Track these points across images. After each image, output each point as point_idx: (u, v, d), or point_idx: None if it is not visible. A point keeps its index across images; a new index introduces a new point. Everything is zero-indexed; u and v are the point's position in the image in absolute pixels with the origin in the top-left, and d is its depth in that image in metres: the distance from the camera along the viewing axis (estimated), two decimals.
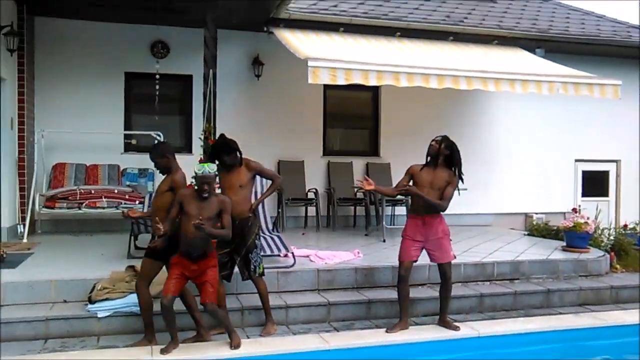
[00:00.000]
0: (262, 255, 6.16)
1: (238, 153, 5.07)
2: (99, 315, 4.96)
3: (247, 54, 9.65)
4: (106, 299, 5.02)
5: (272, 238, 6.74)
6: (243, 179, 5.09)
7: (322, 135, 10.22)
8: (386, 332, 5.22)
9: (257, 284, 5.21)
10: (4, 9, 7.53)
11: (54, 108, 8.77)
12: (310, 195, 9.72)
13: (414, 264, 5.38)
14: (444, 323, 5.38)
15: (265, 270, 5.98)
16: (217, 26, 7.12)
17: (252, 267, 5.13)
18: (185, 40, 9.11)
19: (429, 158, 5.24)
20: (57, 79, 8.82)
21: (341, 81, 6.92)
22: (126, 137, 9.13)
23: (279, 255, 6.40)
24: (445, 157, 5.17)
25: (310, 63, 6.81)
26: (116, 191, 8.03)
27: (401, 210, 9.91)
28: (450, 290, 5.41)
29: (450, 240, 5.39)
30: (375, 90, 10.17)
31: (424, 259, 5.43)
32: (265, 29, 8.95)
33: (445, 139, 5.22)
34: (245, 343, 4.79)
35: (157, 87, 8.07)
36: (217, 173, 4.67)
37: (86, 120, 8.76)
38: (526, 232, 9.68)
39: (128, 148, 9.09)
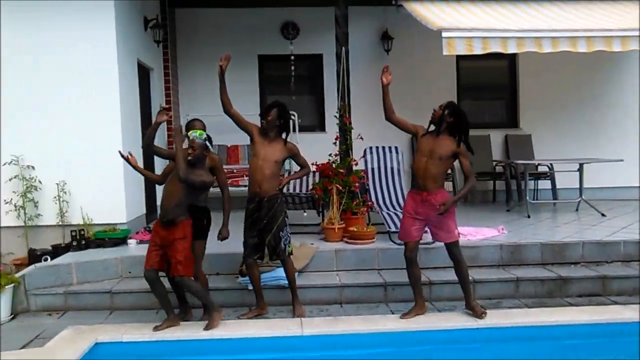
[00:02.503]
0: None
1: (284, 127, 4.87)
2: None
3: (376, 29, 9.52)
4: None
5: None
6: (279, 155, 4.81)
7: None
8: (400, 317, 4.73)
9: (287, 264, 4.92)
10: (149, 2, 8.04)
11: (195, 93, 9.28)
12: None
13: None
14: (470, 308, 4.81)
15: None
16: (347, 3, 7.03)
17: (283, 245, 4.83)
18: (314, 19, 9.17)
19: (432, 126, 4.68)
20: (197, 66, 9.29)
21: (478, 51, 6.56)
22: (261, 117, 9.39)
23: None
24: (449, 124, 4.59)
25: (444, 34, 6.52)
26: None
27: (545, 184, 9.34)
28: (467, 273, 4.84)
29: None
30: (512, 58, 9.60)
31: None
32: (393, 2, 8.72)
33: (450, 104, 4.66)
34: (392, 319, 4.74)
35: (293, 67, 8.18)
36: (206, 143, 4.47)
37: None
38: None
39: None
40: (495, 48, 6.68)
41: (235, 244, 5.80)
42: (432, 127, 4.67)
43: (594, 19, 7.68)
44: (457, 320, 4.74)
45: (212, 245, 5.85)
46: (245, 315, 4.91)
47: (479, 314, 4.70)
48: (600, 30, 6.92)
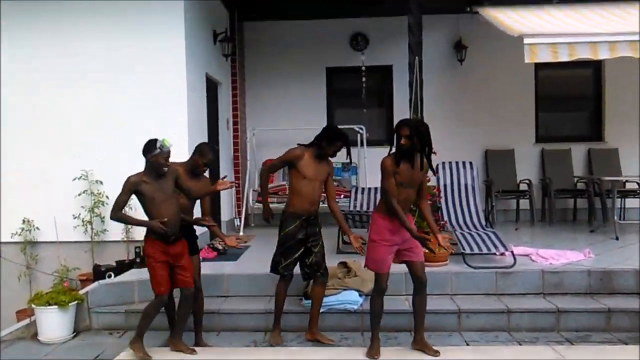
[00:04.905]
0: (477, 254, 5.73)
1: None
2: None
3: (449, 38, 9.15)
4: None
5: (486, 234, 6.16)
6: (325, 174, 4.61)
7: (535, 120, 9.29)
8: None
9: (321, 286, 4.69)
10: (219, 16, 8.05)
11: (262, 107, 9.22)
12: (523, 186, 8.86)
13: None
14: (421, 346, 4.37)
15: (483, 270, 5.52)
16: (421, 11, 6.72)
17: (325, 267, 4.67)
18: (383, 30, 8.93)
19: (398, 151, 4.13)
20: (264, 79, 9.25)
21: (564, 57, 6.05)
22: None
23: (494, 254, 5.82)
24: (417, 147, 4.09)
25: (526, 40, 6.07)
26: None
27: (634, 202, 8.61)
28: (427, 300, 4.39)
29: None
30: (597, 66, 8.95)
31: None
32: (468, 9, 8.34)
33: (413, 128, 4.09)
34: (465, 350, 4.35)
35: (364, 79, 7.95)
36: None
37: (291, 117, 9.04)
38: None
39: None
40: (584, 54, 6.14)
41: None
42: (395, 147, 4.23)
43: None
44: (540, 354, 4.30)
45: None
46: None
47: (432, 353, 4.31)
48: None
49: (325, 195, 4.73)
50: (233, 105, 8.63)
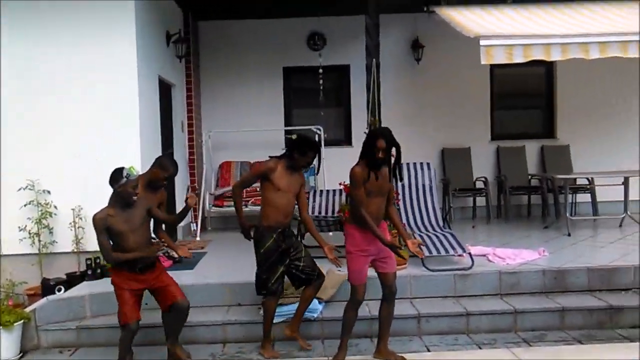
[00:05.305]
0: (435, 256, 5.75)
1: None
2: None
3: (406, 37, 9.15)
4: (279, 304, 4.86)
5: (444, 235, 6.19)
6: (298, 185, 4.56)
7: (490, 118, 9.39)
8: None
9: (316, 287, 4.66)
10: (172, 17, 7.83)
11: (218, 108, 9.05)
12: (479, 184, 8.98)
13: None
14: (385, 355, 4.38)
15: (441, 273, 5.54)
16: (378, 11, 6.68)
17: (319, 270, 4.64)
18: (341, 29, 8.87)
19: (372, 162, 4.12)
20: (220, 80, 9.06)
21: (519, 59, 6.12)
22: (286, 132, 9.15)
23: (453, 255, 5.86)
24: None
25: (482, 42, 6.10)
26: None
27: (585, 197, 8.83)
28: (394, 309, 4.43)
29: None
30: (549, 65, 9.08)
31: None
32: (425, 8, 8.35)
33: (390, 141, 4.06)
34: (426, 356, 4.37)
35: (321, 80, 7.88)
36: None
37: (248, 118, 8.91)
38: None
39: (288, 143, 9.06)
40: (538, 55, 6.24)
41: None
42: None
43: None
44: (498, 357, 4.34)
45: (235, 273, 5.59)
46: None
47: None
48: None
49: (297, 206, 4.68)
50: (188, 107, 8.43)
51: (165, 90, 7.48)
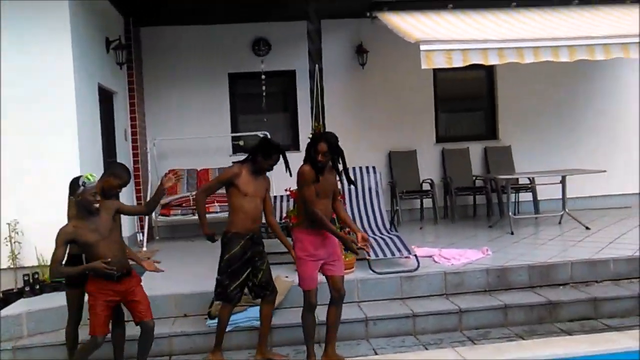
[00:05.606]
0: (382, 259, 5.81)
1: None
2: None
3: (350, 43, 9.23)
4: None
5: (390, 238, 6.29)
6: (264, 190, 4.54)
7: (434, 121, 9.57)
8: None
9: (270, 305, 4.60)
10: (112, 23, 7.65)
11: (163, 116, 8.90)
12: (426, 186, 9.15)
13: None
14: (332, 359, 4.39)
15: (388, 275, 5.61)
16: (319, 17, 6.72)
17: (273, 285, 4.60)
18: (286, 35, 8.87)
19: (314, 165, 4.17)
20: (165, 87, 8.92)
21: (458, 63, 6.30)
22: (234, 138, 9.08)
23: (399, 258, 5.94)
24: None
25: (422, 47, 6.25)
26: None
27: (526, 196, 9.12)
28: (342, 313, 4.46)
29: None
30: (489, 68, 9.36)
31: None
32: (368, 14, 8.46)
33: (330, 145, 4.11)
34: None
35: (264, 86, 7.84)
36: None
37: (195, 125, 8.81)
38: None
39: (236, 150, 9.01)
40: (476, 60, 6.46)
41: (205, 281, 5.44)
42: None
43: (577, 26, 7.48)
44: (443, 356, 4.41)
45: (181, 284, 5.50)
46: None
47: None
48: (583, 38, 6.73)
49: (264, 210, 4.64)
50: (131, 115, 8.24)
51: (106, 98, 7.31)
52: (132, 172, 7.94)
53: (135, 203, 8.08)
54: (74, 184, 3.92)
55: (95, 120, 6.65)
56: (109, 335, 4.12)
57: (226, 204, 7.58)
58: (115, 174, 4.38)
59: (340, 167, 4.30)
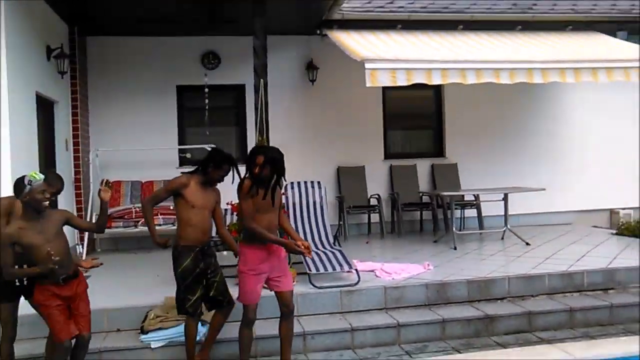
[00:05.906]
0: (323, 273, 5.80)
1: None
2: (152, 346, 4.67)
3: (301, 59, 9.28)
4: (159, 328, 4.72)
5: (332, 252, 6.29)
6: (214, 201, 4.48)
7: (383, 138, 9.70)
8: None
9: (225, 314, 4.54)
10: (54, 31, 7.47)
11: (108, 126, 8.71)
12: (373, 201, 9.22)
13: None
14: None
15: (328, 290, 5.60)
16: (267, 32, 6.75)
17: (230, 297, 4.54)
18: (236, 49, 8.83)
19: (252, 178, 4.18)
20: (110, 97, 8.75)
21: (402, 82, 6.43)
22: (180, 151, 8.97)
23: (340, 272, 5.94)
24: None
25: (367, 65, 6.35)
26: (172, 207, 7.77)
27: (472, 212, 9.30)
28: (294, 326, 4.51)
29: None
30: (437, 87, 9.56)
31: None
32: (318, 31, 8.56)
33: (269, 160, 4.11)
34: None
35: (207, 99, 7.79)
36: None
37: (141, 137, 8.65)
38: (614, 232, 8.79)
39: (183, 162, 8.89)
40: (420, 79, 6.59)
41: (142, 295, 5.32)
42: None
43: (518, 50, 7.74)
44: None
45: (115, 298, 5.34)
46: None
47: None
48: (523, 62, 6.97)
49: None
50: (74, 125, 8.03)
51: (45, 107, 7.10)
52: (71, 182, 7.87)
53: (75, 212, 7.86)
54: (20, 183, 3.81)
55: (31, 129, 6.43)
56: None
57: (170, 216, 7.58)
58: (47, 181, 4.25)
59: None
